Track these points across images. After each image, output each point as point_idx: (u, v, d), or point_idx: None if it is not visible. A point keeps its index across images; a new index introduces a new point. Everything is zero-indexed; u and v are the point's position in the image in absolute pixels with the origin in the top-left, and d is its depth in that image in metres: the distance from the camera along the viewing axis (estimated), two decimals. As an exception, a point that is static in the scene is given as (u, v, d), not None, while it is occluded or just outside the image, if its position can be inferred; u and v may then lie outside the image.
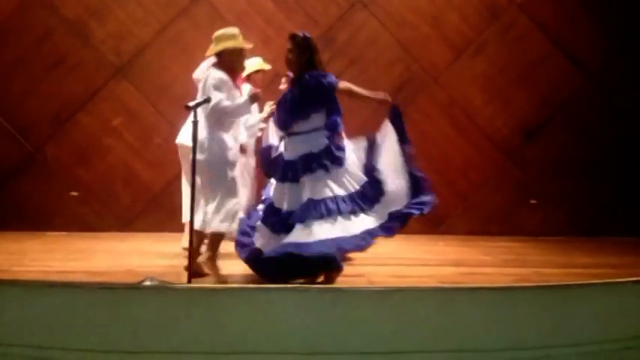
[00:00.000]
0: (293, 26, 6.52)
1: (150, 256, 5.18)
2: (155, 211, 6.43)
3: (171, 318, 3.07)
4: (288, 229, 3.87)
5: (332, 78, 3.97)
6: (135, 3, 6.42)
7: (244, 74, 5.01)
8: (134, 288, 3.17)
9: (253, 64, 5.11)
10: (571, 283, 3.47)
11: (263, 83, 5.22)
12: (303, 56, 3.99)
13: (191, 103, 3.80)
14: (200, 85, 4.21)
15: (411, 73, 6.66)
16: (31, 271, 4.39)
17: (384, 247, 5.71)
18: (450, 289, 3.46)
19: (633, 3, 6.68)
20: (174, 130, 6.32)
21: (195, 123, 3.71)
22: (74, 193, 6.35)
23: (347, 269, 4.61)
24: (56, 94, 6.36)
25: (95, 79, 6.40)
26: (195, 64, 6.38)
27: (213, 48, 4.17)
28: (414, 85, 6.67)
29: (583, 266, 4.89)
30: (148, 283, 3.36)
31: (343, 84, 4.04)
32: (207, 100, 3.96)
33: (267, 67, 5.26)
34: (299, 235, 3.78)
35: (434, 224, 6.67)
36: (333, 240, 3.76)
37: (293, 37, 4.03)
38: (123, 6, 6.42)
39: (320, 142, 3.92)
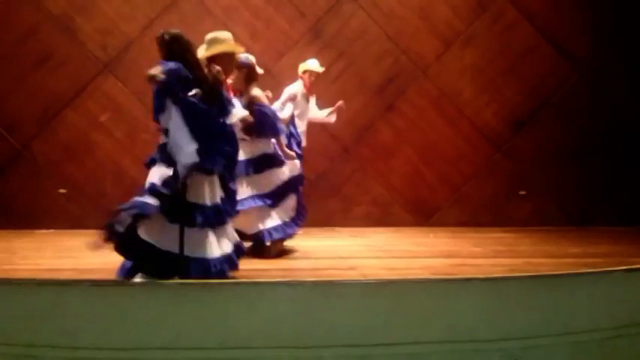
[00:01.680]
0: (281, 20, 6.51)
1: (140, 252, 5.14)
2: (145, 207, 6.38)
3: (162, 314, 3.06)
4: None
5: None
6: (121, -3, 6.37)
7: (299, 71, 5.39)
8: (124, 285, 3.15)
9: (310, 65, 5.39)
10: (561, 272, 3.49)
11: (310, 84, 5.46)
12: None
13: None
14: None
15: (401, 66, 6.66)
16: (21, 269, 4.35)
17: (375, 240, 5.76)
18: (441, 281, 3.47)
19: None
20: (163, 126, 6.32)
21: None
22: (62, 191, 6.30)
23: (339, 262, 4.63)
24: (43, 90, 6.29)
25: (82, 75, 6.34)
26: (183, 59, 6.39)
27: (207, 51, 4.10)
28: (404, 78, 6.67)
29: (573, 256, 4.91)
30: (138, 279, 3.34)
31: None
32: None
33: (319, 69, 5.46)
34: None
35: (425, 216, 6.70)
36: None
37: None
38: (109, 1, 6.35)
39: None
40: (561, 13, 6.72)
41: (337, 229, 6.36)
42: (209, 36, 4.13)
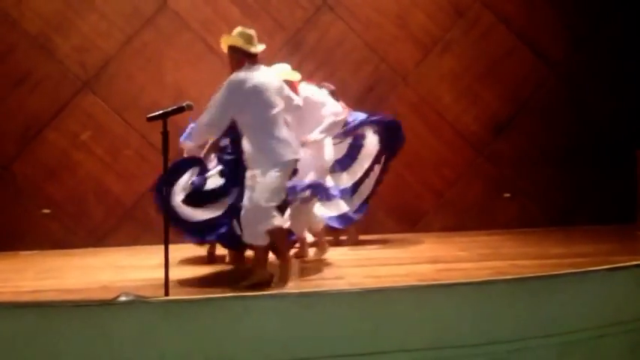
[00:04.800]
0: (260, 31, 6.50)
1: (124, 270, 5.11)
2: (128, 224, 6.34)
3: (148, 332, 3.03)
4: None
5: None
6: (98, 15, 6.34)
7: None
8: (109, 304, 3.12)
9: (283, 71, 5.03)
10: (545, 274, 3.51)
11: None
12: None
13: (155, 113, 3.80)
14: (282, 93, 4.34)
15: (380, 73, 6.70)
16: (2, 292, 4.29)
17: (360, 248, 5.76)
18: (426, 287, 3.47)
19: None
20: (145, 141, 6.30)
21: (164, 134, 3.69)
22: (46, 211, 6.23)
23: (325, 272, 4.62)
24: (22, 110, 6.23)
25: (61, 94, 6.29)
26: (161, 73, 6.40)
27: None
28: (384, 85, 6.70)
29: (557, 256, 4.95)
30: (123, 298, 3.31)
31: None
32: (180, 109, 3.90)
33: (297, 77, 5.16)
34: None
35: (410, 223, 6.72)
36: None
37: None
38: (86, 19, 6.32)
39: None
40: (537, 17, 6.81)
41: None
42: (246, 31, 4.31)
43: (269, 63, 5.74)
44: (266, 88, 4.15)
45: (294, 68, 5.65)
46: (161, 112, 3.84)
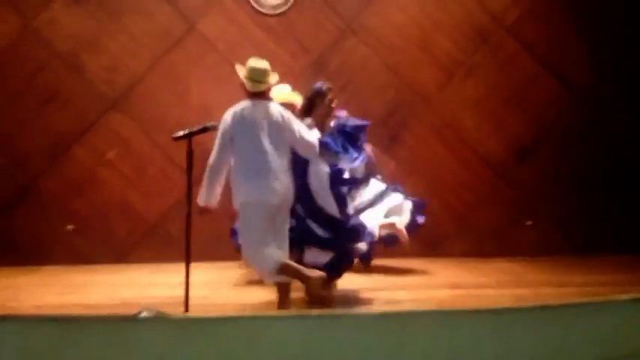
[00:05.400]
0: (285, 54, 6.62)
1: (146, 287, 5.17)
2: (151, 241, 6.42)
3: (168, 349, 3.05)
4: None
5: None
6: (128, 36, 6.49)
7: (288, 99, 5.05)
8: (130, 320, 3.15)
9: (281, 94, 4.94)
10: (568, 302, 3.46)
11: None
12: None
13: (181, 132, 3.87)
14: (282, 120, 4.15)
15: (403, 97, 6.73)
16: (26, 305, 4.36)
17: (380, 272, 5.74)
18: (446, 312, 3.44)
19: (618, 21, 6.79)
20: (169, 160, 6.39)
21: (189, 153, 3.76)
22: (70, 227, 6.33)
23: (345, 295, 4.61)
24: (50, 127, 6.37)
25: (89, 112, 6.43)
26: (187, 94, 6.51)
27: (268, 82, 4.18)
28: (406, 109, 6.73)
29: (580, 284, 4.89)
30: (144, 314, 3.34)
31: None
32: (205, 129, 3.97)
33: (298, 99, 5.06)
34: None
35: (430, 246, 6.68)
36: None
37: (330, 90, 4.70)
38: (116, 39, 6.48)
39: None
40: (561, 43, 6.80)
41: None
42: (257, 65, 4.19)
43: (293, 85, 5.87)
44: (246, 124, 4.00)
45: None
46: (186, 131, 3.91)
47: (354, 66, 6.69)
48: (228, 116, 4.06)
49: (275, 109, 4.13)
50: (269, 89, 4.23)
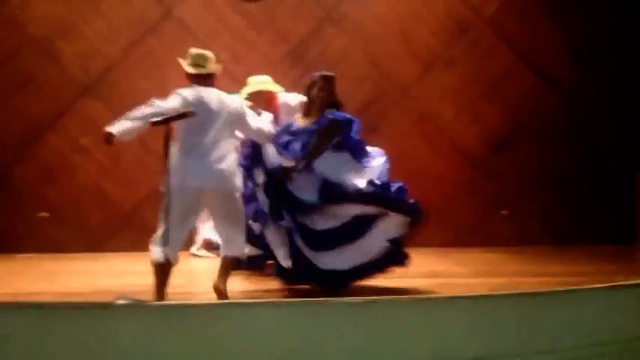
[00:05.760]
0: (263, 43, 6.56)
1: (122, 275, 5.10)
2: (126, 230, 6.33)
3: (146, 337, 3.01)
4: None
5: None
6: (103, 21, 6.38)
7: (245, 93, 4.89)
8: (107, 307, 3.10)
9: (259, 82, 4.91)
10: (545, 290, 3.51)
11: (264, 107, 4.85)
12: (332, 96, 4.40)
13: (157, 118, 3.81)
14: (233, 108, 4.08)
15: (382, 88, 6.73)
16: (1, 293, 4.27)
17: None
18: (425, 300, 3.47)
19: (594, 13, 6.87)
20: (144, 147, 6.30)
21: (166, 138, 3.70)
22: (44, 214, 6.22)
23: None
24: (23, 113, 6.25)
25: (63, 98, 6.31)
26: (165, 81, 6.40)
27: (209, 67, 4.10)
28: (385, 100, 6.74)
29: (556, 274, 4.95)
30: (121, 301, 3.29)
31: None
32: (182, 116, 3.91)
33: (277, 88, 5.01)
34: None
35: (409, 237, 6.70)
36: None
37: (330, 78, 4.47)
38: (91, 24, 6.36)
39: None
40: (539, 36, 6.87)
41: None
42: (197, 52, 4.14)
43: (271, 73, 5.84)
44: (202, 107, 3.93)
45: (296, 80, 5.69)
46: (164, 117, 3.86)
47: (333, 56, 6.66)
48: (187, 94, 3.98)
49: (229, 97, 4.12)
50: (212, 76, 4.14)
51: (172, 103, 3.98)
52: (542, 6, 6.87)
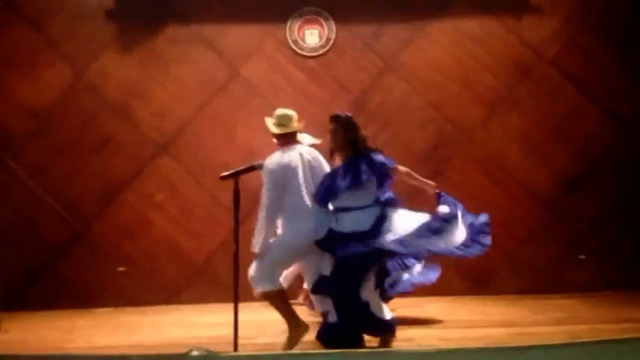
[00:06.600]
0: (325, 95, 6.72)
1: (195, 327, 5.21)
2: (199, 282, 6.49)
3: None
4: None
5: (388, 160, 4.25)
6: (175, 83, 6.71)
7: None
8: (181, 358, 3.17)
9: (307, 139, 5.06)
10: (626, 337, 3.32)
11: None
12: (348, 135, 4.19)
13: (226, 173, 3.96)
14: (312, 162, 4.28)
15: (445, 133, 6.71)
16: (81, 346, 4.44)
17: (430, 309, 5.64)
18: (499, 349, 3.34)
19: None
20: (215, 201, 6.50)
21: (236, 191, 3.83)
22: (121, 269, 6.46)
23: (396, 333, 4.53)
24: (103, 173, 6.58)
25: (139, 158, 6.62)
26: (234, 137, 6.65)
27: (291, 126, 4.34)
28: (449, 144, 6.70)
29: (637, 320, 4.69)
30: (194, 353, 3.35)
31: (402, 168, 4.37)
32: (251, 168, 4.06)
33: (316, 141, 5.16)
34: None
35: (481, 284, 6.54)
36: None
37: (337, 118, 4.26)
38: (164, 86, 6.70)
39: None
40: (604, 74, 6.70)
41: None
42: (282, 112, 4.37)
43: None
44: (271, 171, 4.14)
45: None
46: (233, 171, 4.00)
47: (395, 104, 6.73)
48: (274, 165, 4.16)
49: (307, 151, 4.34)
50: (295, 134, 4.39)
51: (272, 184, 4.13)
52: (606, 44, 6.72)
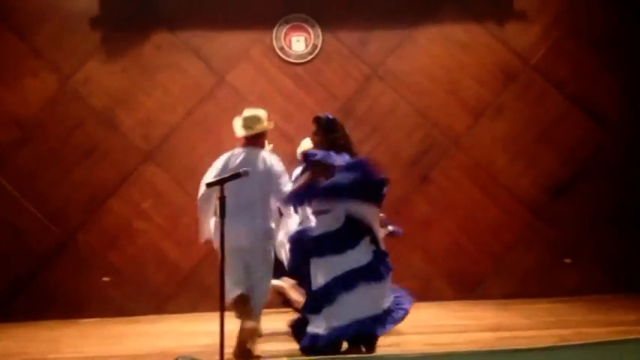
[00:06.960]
0: (313, 102, 6.72)
1: (182, 336, 5.17)
2: (186, 291, 6.44)
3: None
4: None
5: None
6: (161, 90, 6.68)
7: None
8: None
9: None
10: (612, 339, 3.34)
11: None
12: (328, 136, 4.17)
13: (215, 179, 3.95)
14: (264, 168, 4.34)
15: (432, 138, 6.74)
16: (67, 357, 4.39)
17: (418, 315, 5.62)
18: (487, 353, 3.35)
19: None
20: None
21: (221, 199, 3.80)
22: (106, 279, 6.40)
23: (382, 339, 4.51)
24: (88, 181, 6.52)
25: (125, 165, 6.57)
26: (220, 144, 6.61)
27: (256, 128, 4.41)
28: (436, 150, 6.73)
29: (624, 323, 4.72)
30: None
31: None
32: (236, 176, 4.03)
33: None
34: None
35: (468, 289, 6.55)
36: None
37: (317, 120, 4.24)
38: (149, 94, 6.67)
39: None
40: (589, 79, 6.77)
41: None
42: (249, 114, 4.46)
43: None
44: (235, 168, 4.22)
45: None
46: (219, 178, 3.97)
47: (382, 110, 6.75)
48: (220, 160, 4.40)
49: (266, 156, 4.42)
50: (260, 136, 4.49)
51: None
52: (591, 48, 6.79)
